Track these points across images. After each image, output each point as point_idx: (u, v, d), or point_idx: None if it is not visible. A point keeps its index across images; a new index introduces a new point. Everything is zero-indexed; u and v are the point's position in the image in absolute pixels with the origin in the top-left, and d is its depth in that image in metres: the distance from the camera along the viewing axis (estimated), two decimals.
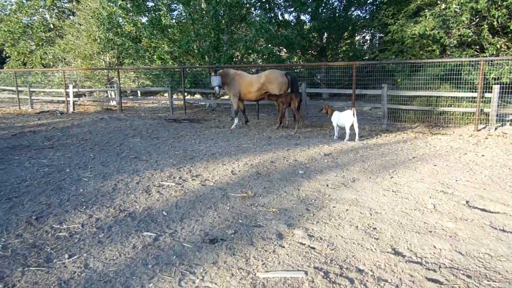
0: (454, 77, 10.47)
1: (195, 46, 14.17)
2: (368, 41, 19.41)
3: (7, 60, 21.73)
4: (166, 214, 4.08)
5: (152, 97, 23.06)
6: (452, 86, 10.88)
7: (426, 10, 12.13)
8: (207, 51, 13.93)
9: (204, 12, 12.75)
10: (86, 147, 7.93)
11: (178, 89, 14.34)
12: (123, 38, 14.11)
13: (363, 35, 20.24)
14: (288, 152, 6.98)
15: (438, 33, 11.75)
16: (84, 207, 4.32)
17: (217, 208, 4.25)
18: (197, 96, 17.85)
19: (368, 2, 18.22)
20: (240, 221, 3.87)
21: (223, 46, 14.09)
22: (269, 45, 13.14)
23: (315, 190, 4.83)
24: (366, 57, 18.73)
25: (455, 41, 11.65)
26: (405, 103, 11.04)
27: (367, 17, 17.99)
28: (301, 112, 9.90)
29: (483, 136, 8.72)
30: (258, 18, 12.55)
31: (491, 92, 9.31)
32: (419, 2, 12.92)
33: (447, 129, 9.99)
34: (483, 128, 9.56)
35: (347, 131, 8.28)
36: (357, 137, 8.35)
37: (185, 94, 14.26)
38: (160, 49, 14.34)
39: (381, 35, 16.71)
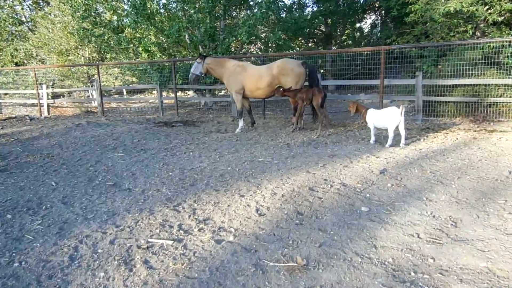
0: (492, 61, 8.69)
1: (187, 35, 12.10)
2: (379, 25, 17.48)
3: None
4: None
5: (140, 95, 20.95)
6: (497, 72, 9.08)
7: None
8: (202, 41, 11.88)
9: None
10: (50, 169, 5.92)
11: (169, 86, 12.30)
12: (102, 28, 11.98)
13: (372, 19, 18.31)
14: (326, 169, 5.05)
15: (477, 9, 9.89)
16: None
17: None
18: (191, 93, 15.79)
19: None
20: None
21: (219, 34, 12.05)
22: (277, 30, 11.13)
23: (404, 248, 2.93)
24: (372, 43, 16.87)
25: (498, 18, 9.77)
26: (441, 94, 9.18)
27: None
28: (325, 111, 7.97)
29: None
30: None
31: None
32: None
33: (500, 124, 8.17)
34: None
35: (390, 134, 6.38)
36: (403, 141, 6.46)
37: (177, 91, 12.22)
38: (146, 39, 12.23)
39: (395, 16, 14.77)
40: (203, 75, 9.03)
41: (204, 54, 9.35)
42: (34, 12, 18.86)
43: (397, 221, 3.39)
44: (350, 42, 17.69)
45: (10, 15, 18.21)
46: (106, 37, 12.18)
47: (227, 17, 12.82)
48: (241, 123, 8.80)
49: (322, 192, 4.20)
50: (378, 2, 16.63)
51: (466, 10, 9.88)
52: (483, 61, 9.32)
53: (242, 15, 13.24)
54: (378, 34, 16.67)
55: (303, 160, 5.63)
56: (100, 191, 4.72)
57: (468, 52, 9.63)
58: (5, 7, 18.37)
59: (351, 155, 5.79)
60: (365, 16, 18.31)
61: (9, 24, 18.03)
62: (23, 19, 19.49)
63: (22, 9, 19.42)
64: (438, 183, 4.35)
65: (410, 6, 12.13)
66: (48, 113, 14.25)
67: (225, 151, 6.71)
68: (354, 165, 5.20)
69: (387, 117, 6.38)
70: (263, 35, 12.17)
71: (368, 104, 10.59)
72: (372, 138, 6.81)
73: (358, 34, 18.67)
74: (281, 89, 8.07)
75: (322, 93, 7.67)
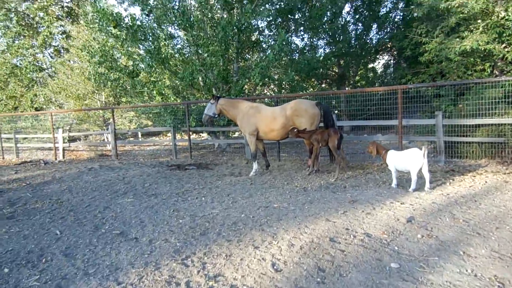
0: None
1: (200, 78, 12.19)
2: (392, 65, 17.47)
3: None
4: None
5: (155, 138, 21.06)
6: None
7: (478, 22, 10.15)
8: (215, 83, 11.92)
9: (210, 36, 10.84)
10: (56, 216, 5.69)
11: (182, 128, 12.23)
12: (118, 73, 12.18)
13: (386, 59, 18.36)
14: (347, 217, 4.67)
15: (494, 47, 9.71)
16: None
17: None
18: (204, 135, 15.74)
19: (389, 22, 16.43)
20: None
21: (232, 76, 12.10)
22: (290, 71, 11.11)
23: None
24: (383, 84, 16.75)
25: None
26: (463, 135, 8.80)
27: (386, 39, 16.07)
28: (342, 153, 7.66)
29: None
30: (275, 41, 10.53)
31: None
32: (460, 15, 10.97)
33: None
34: None
35: (413, 177, 5.99)
36: (428, 185, 6.06)
37: (190, 133, 12.13)
38: (160, 83, 12.35)
39: (408, 56, 14.72)
40: (216, 116, 8.94)
41: (218, 95, 9.31)
42: (55, 60, 19.53)
43: (434, 281, 2.97)
44: (363, 82, 17.64)
45: (32, 63, 18.91)
46: (121, 81, 12.34)
47: (240, 60, 12.93)
48: (255, 166, 8.53)
49: (345, 244, 3.81)
50: (390, 43, 16.72)
51: (482, 49, 9.72)
52: (504, 99, 9.01)
53: (255, 58, 13.38)
54: (392, 74, 16.62)
55: (322, 206, 5.26)
56: (105, 241, 4.43)
57: (488, 90, 9.33)
58: (27, 55, 19.12)
59: (373, 200, 5.41)
60: (377, 56, 18.37)
61: (30, 71, 18.66)
62: (44, 66, 20.18)
63: (44, 57, 20.16)
64: (475, 234, 3.92)
65: (424, 46, 12.08)
66: (63, 157, 14.29)
67: (239, 196, 6.40)
68: (378, 212, 4.81)
69: (409, 159, 6.03)
70: (275, 76, 12.17)
71: (386, 145, 10.25)
72: (394, 182, 6.43)
73: (371, 74, 18.66)
74: (295, 130, 7.86)
75: (338, 134, 7.40)
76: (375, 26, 16.33)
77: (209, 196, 6.55)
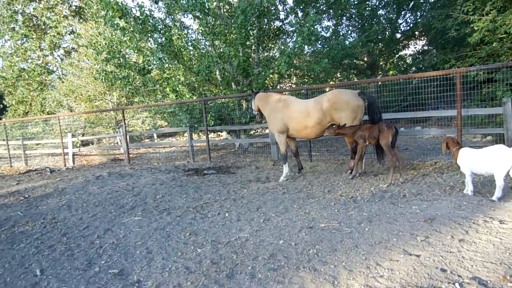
0: None
1: (217, 71, 10.92)
2: (430, 50, 15.79)
3: (7, 110, 19.15)
4: None
5: (171, 139, 19.97)
6: None
7: None
8: (234, 77, 10.62)
9: (227, 23, 9.53)
10: (45, 244, 4.52)
11: (199, 128, 11.00)
12: (127, 70, 11.04)
13: (421, 44, 16.67)
14: (433, 247, 3.29)
15: None
16: None
17: None
18: (224, 134, 14.50)
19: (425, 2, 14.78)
20: None
21: (253, 67, 10.78)
22: (321, 59, 9.68)
23: None
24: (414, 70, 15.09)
25: None
26: None
27: (423, 22, 14.38)
28: (397, 152, 6.24)
29: None
30: (301, 26, 9.13)
31: None
32: None
33: None
34: None
35: (499, 182, 4.55)
36: None
37: (209, 133, 10.90)
38: (174, 79, 11.14)
39: (448, 39, 13.05)
40: (255, 113, 7.77)
41: (255, 90, 8.13)
42: (64, 61, 18.64)
43: None
44: (395, 71, 16.04)
45: (39, 65, 18.05)
46: (131, 79, 11.19)
47: (261, 49, 11.61)
48: (286, 169, 7.21)
49: None
50: (421, 28, 15.04)
51: None
52: None
53: (279, 46, 11.99)
54: (429, 60, 14.96)
55: (388, 228, 3.90)
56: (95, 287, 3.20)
57: None
58: (35, 57, 18.29)
59: (457, 217, 4.00)
60: (409, 42, 16.71)
61: (38, 74, 17.78)
62: (53, 68, 19.33)
63: (53, 58, 19.28)
64: None
65: (472, 25, 10.49)
66: (73, 163, 13.32)
67: (271, 210, 5.09)
68: (474, 238, 3.41)
69: (492, 160, 4.59)
70: (303, 66, 10.80)
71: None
72: (470, 188, 5.00)
73: (402, 62, 17.02)
74: (334, 127, 6.49)
75: (392, 129, 5.98)
76: (408, 8, 14.70)
77: (234, 211, 5.27)
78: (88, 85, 14.94)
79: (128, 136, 11.91)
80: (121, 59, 11.27)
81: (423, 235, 3.55)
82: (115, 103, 16.01)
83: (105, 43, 11.04)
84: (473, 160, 4.85)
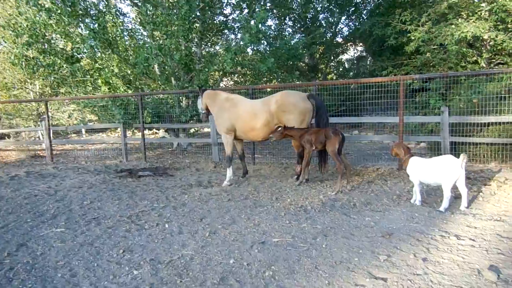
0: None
1: (156, 65, 10.15)
2: (368, 57, 16.30)
3: None
4: None
5: (102, 134, 18.53)
6: None
7: (481, 6, 9.04)
8: (175, 71, 9.94)
9: (169, 13, 8.83)
10: None
11: (134, 125, 10.16)
12: (52, 57, 9.83)
13: (359, 50, 17.18)
14: (399, 268, 3.06)
15: (495, 36, 8.64)
16: None
17: None
18: (161, 132, 13.66)
19: (363, 10, 15.23)
20: None
21: (195, 63, 10.17)
22: (269, 58, 9.34)
23: None
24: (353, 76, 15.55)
25: None
26: (468, 135, 7.57)
27: (364, 28, 14.77)
28: (344, 159, 6.10)
29: None
30: (246, 22, 8.74)
31: None
32: (451, 0, 9.85)
33: None
34: None
35: (446, 193, 4.56)
36: (465, 203, 4.66)
37: (145, 131, 10.10)
38: (107, 70, 10.15)
39: (385, 47, 13.53)
40: (203, 112, 7.21)
41: (201, 86, 7.58)
42: None
43: None
44: (334, 76, 16.36)
45: None
46: (57, 68, 9.98)
47: (203, 44, 11.04)
48: (229, 172, 6.80)
49: None
50: (361, 34, 15.47)
51: (484, 37, 8.62)
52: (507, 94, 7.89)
53: (223, 42, 11.49)
54: (367, 67, 15.45)
55: (346, 244, 3.65)
56: None
57: (488, 84, 8.18)
58: None
59: (413, 232, 3.87)
60: (348, 47, 17.13)
61: None
62: None
63: None
64: None
65: (409, 35, 10.91)
66: None
67: (217, 221, 4.64)
68: (437, 257, 3.25)
69: (441, 170, 4.58)
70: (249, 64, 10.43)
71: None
72: (418, 198, 4.98)
73: (341, 67, 17.43)
74: (279, 129, 6.19)
75: (339, 135, 5.83)
76: (349, 13, 15.04)
77: (175, 221, 4.74)
78: (6, 71, 13.20)
79: (51, 131, 10.67)
80: (45, 44, 10.02)
81: (384, 253, 3.35)
82: (37, 93, 14.38)
83: (27, 25, 9.71)
84: (422, 170, 4.83)
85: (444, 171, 4.56)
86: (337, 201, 5.27)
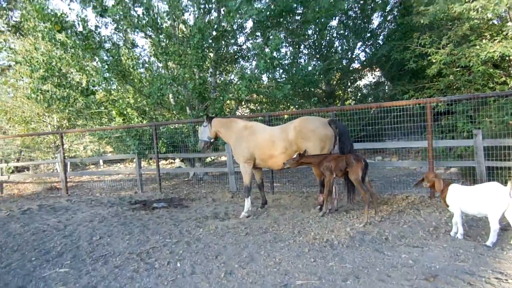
0: None
1: (170, 94, 10.00)
2: (386, 82, 15.93)
3: None
4: None
5: (119, 165, 18.43)
6: None
7: (508, 25, 8.65)
8: (189, 101, 9.75)
9: (182, 42, 8.71)
10: None
11: (149, 155, 9.92)
12: (67, 90, 9.79)
13: (377, 75, 16.83)
14: None
15: None
16: None
17: None
18: (177, 162, 13.40)
19: (379, 35, 15.00)
20: None
21: (210, 91, 9.98)
22: (285, 84, 9.06)
23: None
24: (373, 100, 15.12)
25: None
26: (505, 159, 6.98)
27: (382, 53, 14.45)
28: (369, 187, 5.61)
29: None
30: (261, 49, 8.49)
31: None
32: (474, 21, 9.46)
33: None
34: None
35: (493, 225, 4.01)
36: None
37: (160, 161, 9.83)
38: (121, 101, 10.04)
39: (404, 71, 13.14)
40: (212, 140, 6.92)
41: (211, 115, 7.32)
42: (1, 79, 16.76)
43: None
44: (353, 101, 16.00)
45: None
46: (71, 100, 9.93)
47: (218, 73, 10.89)
48: (247, 203, 6.38)
49: None
50: (378, 59, 15.15)
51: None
52: None
53: (238, 69, 11.33)
54: (387, 91, 15.02)
55: None
56: None
57: None
58: None
59: (461, 273, 3.33)
60: (364, 73, 16.80)
61: None
62: None
63: None
64: None
65: (430, 58, 10.52)
66: (1, 192, 11.63)
67: (233, 259, 4.19)
68: None
69: (487, 199, 4.06)
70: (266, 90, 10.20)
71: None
72: (460, 231, 4.41)
73: (359, 93, 17.06)
74: (294, 157, 5.75)
75: (362, 162, 5.37)
76: (365, 39, 14.84)
77: (188, 258, 4.31)
78: (24, 105, 13.35)
79: (68, 163, 10.52)
80: (61, 77, 10.03)
81: None
82: (55, 126, 14.45)
83: (43, 60, 9.78)
84: (464, 199, 4.31)
85: (490, 200, 4.03)
86: (367, 235, 4.76)
